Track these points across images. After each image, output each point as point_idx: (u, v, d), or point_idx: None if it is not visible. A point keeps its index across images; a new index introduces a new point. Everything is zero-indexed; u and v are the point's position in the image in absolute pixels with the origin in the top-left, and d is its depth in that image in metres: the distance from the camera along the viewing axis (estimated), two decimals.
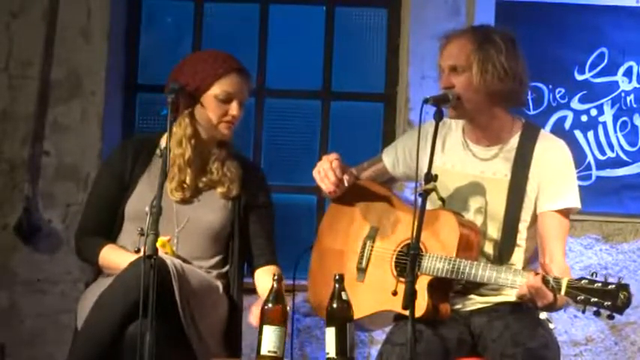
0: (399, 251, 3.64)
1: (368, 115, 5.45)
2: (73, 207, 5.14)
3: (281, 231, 4.07)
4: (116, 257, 3.75)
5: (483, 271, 3.46)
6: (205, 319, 3.64)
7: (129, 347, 3.43)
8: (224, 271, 3.88)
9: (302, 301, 4.77)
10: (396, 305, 3.44)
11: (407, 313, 3.23)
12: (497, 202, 3.63)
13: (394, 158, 3.87)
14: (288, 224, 4.98)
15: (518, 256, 3.63)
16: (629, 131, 5.15)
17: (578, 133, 5.14)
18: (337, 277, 3.46)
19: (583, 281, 3.29)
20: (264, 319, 3.44)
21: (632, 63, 5.16)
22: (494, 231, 3.63)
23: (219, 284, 3.82)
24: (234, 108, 3.84)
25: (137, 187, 3.86)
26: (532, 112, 5.08)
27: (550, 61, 5.12)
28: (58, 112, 5.22)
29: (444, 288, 3.55)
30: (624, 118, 5.15)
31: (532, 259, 3.67)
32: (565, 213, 3.62)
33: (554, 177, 3.62)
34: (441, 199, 3.59)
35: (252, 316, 3.68)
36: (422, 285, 3.45)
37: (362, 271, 3.70)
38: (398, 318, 3.60)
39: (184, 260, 3.72)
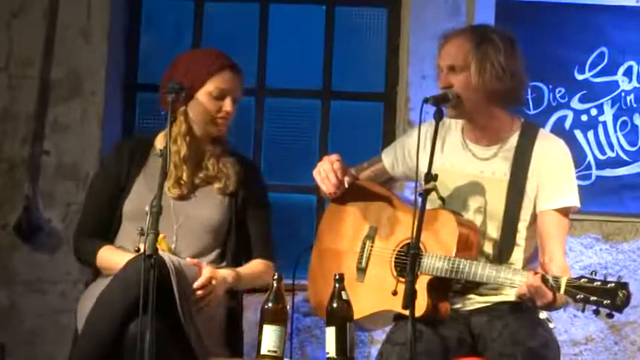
0: (399, 251, 3.64)
1: (368, 114, 5.44)
2: (73, 206, 5.13)
3: (281, 231, 4.07)
4: (114, 258, 3.75)
5: (483, 271, 3.46)
6: (203, 314, 3.64)
7: (129, 346, 3.43)
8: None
9: (302, 301, 4.77)
10: (396, 305, 3.44)
11: (407, 312, 3.22)
12: (496, 201, 3.63)
13: (393, 158, 3.87)
14: (287, 224, 4.98)
15: (517, 256, 3.63)
16: (629, 131, 5.14)
17: (578, 133, 5.13)
18: (337, 276, 3.47)
19: (582, 280, 3.29)
20: (265, 318, 3.45)
21: (632, 63, 5.15)
22: (493, 230, 3.63)
23: None
24: (227, 104, 3.85)
25: (134, 187, 3.87)
26: (532, 112, 5.08)
27: (550, 60, 5.12)
28: (58, 112, 5.21)
29: (443, 287, 3.56)
30: (624, 118, 5.15)
31: (532, 259, 3.66)
32: (564, 212, 3.62)
33: (554, 176, 3.62)
34: (441, 198, 3.59)
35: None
36: (422, 284, 3.45)
37: (362, 270, 3.70)
38: (398, 318, 3.60)
39: (180, 257, 3.72)
